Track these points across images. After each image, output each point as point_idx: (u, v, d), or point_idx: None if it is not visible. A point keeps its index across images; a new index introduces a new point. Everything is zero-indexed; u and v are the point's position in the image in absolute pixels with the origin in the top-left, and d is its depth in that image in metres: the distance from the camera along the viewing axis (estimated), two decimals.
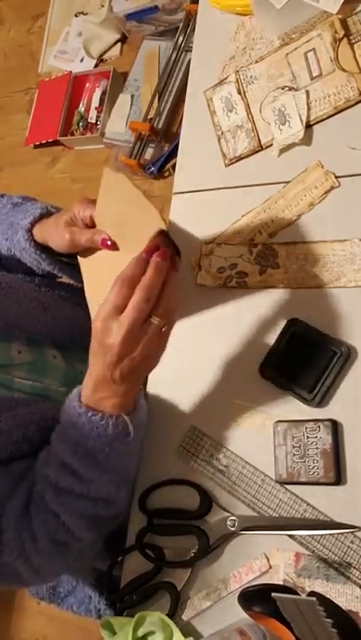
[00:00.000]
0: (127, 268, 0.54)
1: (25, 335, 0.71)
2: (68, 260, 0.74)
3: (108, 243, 0.64)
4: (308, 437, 0.60)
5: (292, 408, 0.63)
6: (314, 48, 0.70)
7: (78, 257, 0.70)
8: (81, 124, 2.00)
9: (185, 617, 0.62)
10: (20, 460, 0.64)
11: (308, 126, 0.70)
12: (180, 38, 1.82)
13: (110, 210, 0.64)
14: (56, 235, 0.69)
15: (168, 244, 0.56)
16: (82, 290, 0.82)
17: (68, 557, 0.63)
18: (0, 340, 0.68)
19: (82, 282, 0.72)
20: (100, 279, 0.66)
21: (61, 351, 0.75)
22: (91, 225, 0.67)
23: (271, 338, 0.66)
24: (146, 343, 0.54)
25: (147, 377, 0.73)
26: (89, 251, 0.68)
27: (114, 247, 0.64)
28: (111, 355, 0.54)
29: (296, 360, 0.63)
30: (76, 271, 0.75)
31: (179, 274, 0.57)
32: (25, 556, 0.59)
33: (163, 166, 1.77)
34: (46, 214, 0.72)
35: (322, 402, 0.61)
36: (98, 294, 0.63)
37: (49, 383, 0.71)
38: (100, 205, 0.66)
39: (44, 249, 0.72)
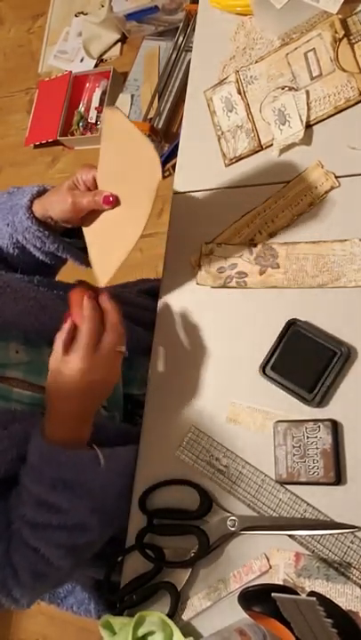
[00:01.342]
0: (64, 326, 0.62)
1: (22, 335, 0.70)
2: (72, 241, 0.74)
3: (111, 199, 0.65)
4: (308, 437, 0.60)
5: (293, 408, 0.63)
6: (314, 48, 0.70)
7: (83, 228, 0.70)
8: (81, 123, 2.00)
9: (185, 617, 0.62)
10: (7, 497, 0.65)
11: (308, 126, 0.70)
12: (180, 38, 1.82)
13: (112, 160, 0.65)
14: (57, 201, 0.69)
15: (91, 289, 0.65)
16: None
17: (48, 586, 0.65)
18: None
19: (85, 262, 0.75)
20: (105, 244, 0.67)
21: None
22: (93, 188, 0.68)
23: (271, 338, 0.65)
24: (102, 361, 0.61)
25: (145, 379, 0.73)
26: (91, 218, 0.69)
27: (116, 202, 0.65)
28: (72, 371, 0.60)
29: (296, 360, 0.63)
30: (79, 252, 0.75)
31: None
32: (7, 590, 0.61)
33: (163, 166, 1.76)
34: (43, 191, 0.73)
35: (322, 402, 0.61)
36: (104, 261, 0.65)
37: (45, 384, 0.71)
38: (103, 155, 0.66)
39: (46, 226, 0.72)
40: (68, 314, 0.63)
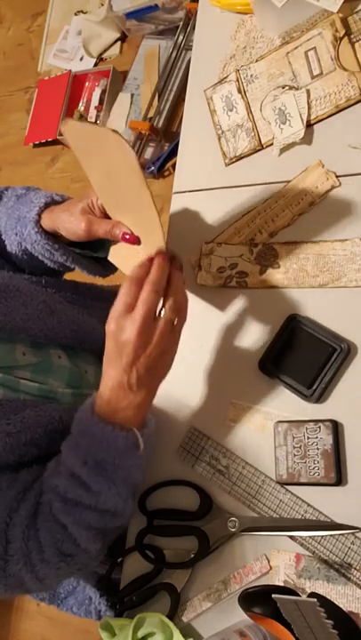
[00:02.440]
0: (133, 271, 0.57)
1: (30, 338, 0.70)
2: (81, 252, 0.74)
3: (127, 237, 0.63)
4: (308, 438, 0.60)
5: (293, 408, 0.63)
6: (314, 47, 0.69)
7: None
8: None
9: (185, 618, 0.62)
10: (29, 468, 0.64)
11: (309, 125, 0.70)
12: (180, 37, 1.82)
13: (96, 170, 0.63)
14: (69, 222, 0.67)
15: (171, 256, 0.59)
16: (87, 293, 0.81)
17: (73, 568, 0.62)
18: (5, 342, 0.67)
19: (95, 272, 0.75)
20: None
21: (66, 351, 0.75)
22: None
23: (271, 338, 0.65)
24: (159, 337, 0.56)
25: None
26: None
27: (136, 241, 0.63)
28: (127, 353, 0.55)
29: (296, 355, 0.63)
30: (89, 262, 0.74)
31: (184, 274, 0.59)
32: (31, 566, 0.59)
33: (163, 166, 1.76)
34: (51, 202, 0.71)
35: (320, 398, 0.61)
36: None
37: (53, 384, 0.71)
38: (88, 171, 0.64)
39: (55, 239, 0.71)
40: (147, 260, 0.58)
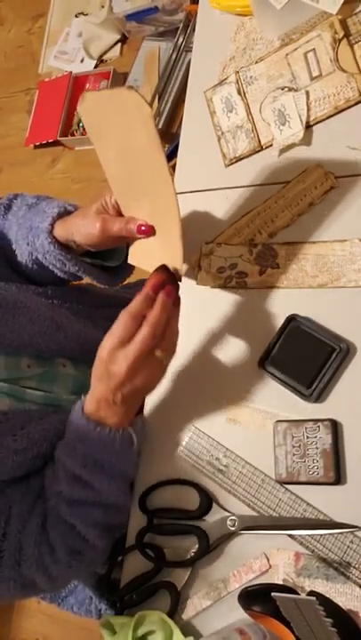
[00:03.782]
0: (134, 303, 0.58)
1: (36, 352, 0.70)
2: (92, 261, 0.74)
3: (143, 228, 0.63)
4: (307, 437, 0.61)
5: (292, 408, 0.63)
6: (314, 48, 0.70)
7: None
8: (81, 124, 2.00)
9: (185, 616, 0.62)
10: (37, 477, 0.65)
11: (308, 127, 0.70)
12: (180, 39, 1.82)
13: (111, 143, 0.62)
14: (84, 225, 0.67)
15: (171, 279, 0.60)
16: (91, 301, 0.81)
17: (83, 565, 0.65)
18: (10, 355, 0.67)
19: (105, 282, 0.75)
20: (157, 238, 0.65)
21: (71, 360, 0.75)
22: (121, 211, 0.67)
23: (271, 338, 0.66)
24: (148, 373, 0.58)
25: None
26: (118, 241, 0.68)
27: (151, 231, 0.63)
28: (115, 382, 0.58)
29: (295, 355, 0.63)
30: (100, 273, 0.75)
31: (179, 309, 0.60)
32: (43, 568, 0.62)
33: None
34: (64, 213, 0.71)
35: (319, 397, 0.61)
36: (169, 250, 0.62)
37: (58, 392, 0.71)
38: (101, 147, 0.63)
39: (68, 250, 0.70)
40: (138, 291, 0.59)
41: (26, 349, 0.69)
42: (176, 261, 0.61)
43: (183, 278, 0.74)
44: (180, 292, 0.60)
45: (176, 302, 0.59)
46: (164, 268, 0.60)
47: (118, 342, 0.57)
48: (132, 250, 0.69)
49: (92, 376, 0.60)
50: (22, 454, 0.62)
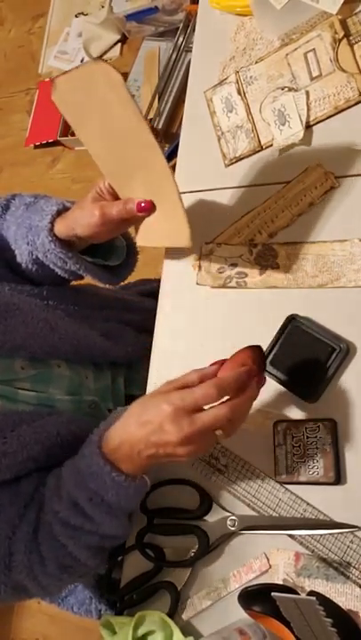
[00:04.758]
0: (228, 378, 0.54)
1: (30, 355, 0.69)
2: (93, 260, 0.74)
3: (143, 205, 0.63)
4: (307, 437, 0.61)
5: (292, 407, 0.63)
6: (314, 48, 0.70)
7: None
8: None
9: (185, 616, 0.62)
10: (28, 478, 0.63)
11: (308, 126, 0.70)
12: (180, 39, 1.82)
13: (92, 126, 0.61)
14: (82, 216, 0.67)
15: (261, 362, 0.57)
16: (87, 302, 0.81)
17: (74, 577, 0.63)
18: (3, 357, 0.67)
19: (106, 280, 0.75)
20: (157, 217, 0.64)
21: (66, 361, 0.74)
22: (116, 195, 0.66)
23: (270, 338, 0.66)
24: (196, 447, 0.54)
25: (146, 379, 0.73)
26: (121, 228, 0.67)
27: (152, 207, 0.62)
28: (159, 439, 0.53)
29: (295, 355, 0.63)
30: (101, 271, 0.74)
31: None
32: (33, 576, 0.60)
33: None
34: (63, 210, 0.71)
35: (320, 398, 0.61)
36: (174, 229, 0.62)
37: (53, 392, 0.70)
38: (84, 133, 0.62)
39: (69, 247, 0.70)
40: (222, 361, 0.57)
41: (19, 352, 0.68)
42: (182, 229, 0.61)
43: (183, 279, 0.74)
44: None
45: (259, 381, 0.56)
46: (257, 348, 0.57)
47: (191, 406, 0.53)
48: (139, 232, 0.68)
49: (133, 415, 0.56)
50: (11, 457, 0.60)
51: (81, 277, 0.76)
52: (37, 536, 0.60)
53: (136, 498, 0.60)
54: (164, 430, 0.53)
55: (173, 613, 0.62)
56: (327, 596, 0.54)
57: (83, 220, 0.67)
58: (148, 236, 0.68)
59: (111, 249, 0.76)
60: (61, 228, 0.69)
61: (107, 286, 0.80)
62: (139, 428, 0.55)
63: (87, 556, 0.60)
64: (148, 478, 0.59)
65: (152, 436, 0.54)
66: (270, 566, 0.60)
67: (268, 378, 0.64)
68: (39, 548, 0.60)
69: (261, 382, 0.56)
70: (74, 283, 0.80)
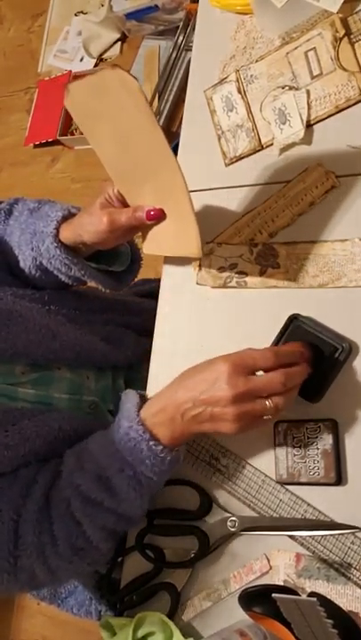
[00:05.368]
0: (285, 347, 0.57)
1: (30, 361, 0.69)
2: (98, 266, 0.73)
3: (152, 213, 0.62)
4: (308, 437, 0.60)
5: (293, 408, 0.63)
6: (314, 47, 0.69)
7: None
8: None
9: (185, 617, 0.62)
10: (28, 467, 0.63)
11: (309, 125, 0.70)
12: (180, 37, 1.82)
13: (104, 131, 0.61)
14: (91, 223, 0.66)
15: (309, 355, 0.59)
16: (89, 306, 0.80)
17: (85, 562, 0.62)
18: (4, 363, 0.67)
19: (110, 286, 0.75)
20: (167, 225, 0.64)
21: (67, 364, 0.74)
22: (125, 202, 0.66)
23: (271, 338, 0.65)
24: (245, 411, 0.53)
25: (146, 378, 0.73)
26: (127, 236, 0.66)
27: (161, 214, 0.62)
28: (213, 397, 0.53)
29: None
30: (105, 278, 0.74)
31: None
32: (44, 558, 0.59)
33: None
34: (68, 215, 0.70)
35: (322, 397, 0.61)
36: (183, 237, 0.62)
37: (53, 393, 0.70)
38: (95, 139, 0.62)
39: (74, 253, 0.69)
40: (299, 346, 0.58)
41: (20, 358, 0.67)
42: (192, 238, 0.60)
43: (183, 279, 0.74)
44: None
45: (304, 371, 0.57)
46: (309, 344, 0.59)
47: (250, 365, 0.53)
48: (146, 240, 0.68)
49: (183, 378, 0.55)
50: (13, 450, 0.60)
51: (84, 283, 0.76)
52: (50, 514, 0.59)
53: (167, 473, 0.59)
54: (217, 387, 0.52)
55: (173, 614, 0.62)
56: (328, 597, 0.54)
57: (90, 227, 0.66)
58: (155, 244, 0.67)
59: (115, 255, 0.76)
60: (67, 234, 0.68)
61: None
62: (188, 391, 0.54)
63: (100, 537, 0.60)
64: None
65: (203, 393, 0.53)
66: (271, 567, 0.59)
67: None
68: (52, 527, 0.59)
69: (308, 369, 0.57)
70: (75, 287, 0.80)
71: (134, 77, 0.55)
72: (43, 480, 0.61)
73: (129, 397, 0.60)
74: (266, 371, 0.55)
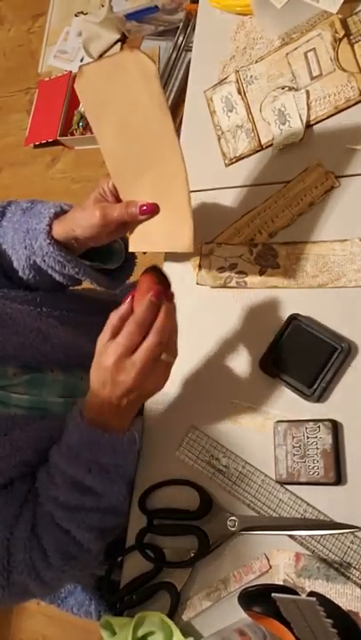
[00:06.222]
0: (139, 312, 0.58)
1: (22, 363, 0.69)
2: (92, 264, 0.73)
3: (145, 208, 0.63)
4: (308, 437, 0.60)
5: (293, 408, 0.63)
6: (314, 48, 0.70)
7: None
8: (81, 123, 2.00)
9: (185, 617, 0.62)
10: (22, 481, 0.64)
11: (309, 126, 0.70)
12: (180, 38, 1.82)
13: (111, 119, 0.60)
14: (83, 217, 0.66)
15: (164, 279, 0.60)
16: (82, 308, 0.79)
17: (76, 569, 0.64)
18: None
19: (104, 285, 0.74)
20: (163, 218, 0.64)
21: (59, 366, 0.74)
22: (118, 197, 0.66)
23: (271, 338, 0.65)
24: (155, 377, 0.59)
25: None
26: (120, 231, 0.67)
27: (155, 209, 0.62)
28: (122, 389, 0.58)
29: (296, 355, 0.63)
30: (100, 276, 0.74)
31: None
32: (35, 573, 0.61)
33: None
34: (61, 212, 0.70)
35: (321, 397, 0.61)
36: (176, 231, 0.62)
37: (47, 396, 0.70)
38: (100, 126, 0.61)
39: (67, 250, 0.69)
40: (131, 294, 0.60)
41: (11, 361, 0.67)
42: (185, 233, 0.60)
43: (183, 279, 0.74)
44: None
45: (170, 298, 0.60)
46: (153, 269, 0.60)
47: (125, 351, 0.57)
48: (132, 237, 0.67)
49: (94, 381, 0.59)
50: (5, 461, 0.61)
51: (79, 282, 0.75)
52: (36, 531, 0.61)
53: (130, 454, 0.63)
54: (118, 382, 0.57)
55: (173, 614, 0.62)
56: (327, 596, 0.54)
57: (83, 221, 0.66)
58: (142, 241, 0.66)
59: (109, 253, 0.76)
60: (60, 230, 0.68)
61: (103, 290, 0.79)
62: (103, 389, 0.59)
63: (90, 539, 0.62)
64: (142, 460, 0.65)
65: (114, 391, 0.58)
66: (270, 567, 0.60)
67: (268, 377, 0.65)
68: (40, 542, 0.61)
69: (171, 295, 0.59)
70: (70, 288, 0.79)
71: (153, 61, 0.54)
72: (32, 499, 0.63)
73: (73, 410, 0.64)
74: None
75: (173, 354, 0.60)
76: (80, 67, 0.60)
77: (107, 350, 0.58)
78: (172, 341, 0.59)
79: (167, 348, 0.59)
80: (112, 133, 0.62)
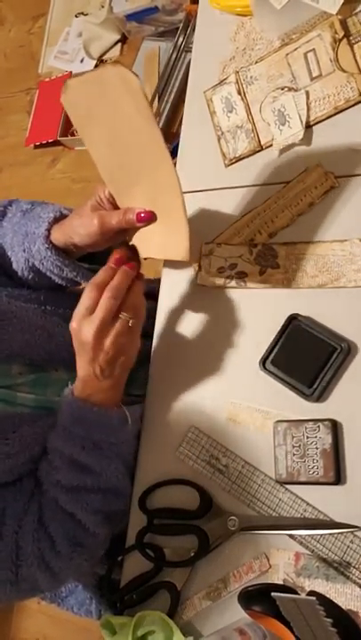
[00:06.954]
0: (98, 275, 0.61)
1: (27, 361, 0.70)
2: (90, 267, 0.73)
3: (143, 215, 0.63)
4: (307, 437, 0.61)
5: (293, 408, 0.63)
6: (314, 48, 0.70)
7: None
8: None
9: (185, 616, 0.62)
10: (29, 476, 0.65)
11: (308, 126, 0.70)
12: (180, 39, 1.82)
13: (100, 131, 0.61)
14: (81, 224, 0.66)
15: (133, 256, 0.63)
16: None
17: (84, 557, 0.64)
18: (1, 363, 0.67)
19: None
20: (158, 226, 0.65)
21: (64, 365, 0.74)
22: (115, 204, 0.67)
23: (271, 338, 0.66)
24: (115, 336, 0.60)
25: (146, 379, 0.73)
26: (119, 238, 0.68)
27: (152, 216, 0.63)
28: (87, 350, 0.60)
29: (296, 355, 0.63)
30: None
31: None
32: (45, 564, 0.61)
33: None
34: (60, 217, 0.70)
35: (321, 397, 0.61)
36: (172, 240, 0.64)
37: (51, 395, 0.71)
38: (90, 138, 0.62)
39: (65, 255, 0.70)
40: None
41: (16, 359, 0.68)
42: (182, 241, 0.61)
43: (183, 279, 0.74)
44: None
45: (139, 276, 0.63)
46: (126, 244, 0.62)
47: (85, 311, 0.60)
48: (130, 243, 0.68)
49: (75, 354, 0.62)
50: (14, 458, 0.61)
51: (78, 284, 0.76)
52: (43, 521, 0.62)
53: (122, 433, 0.64)
54: (82, 342, 0.60)
55: (173, 613, 0.62)
56: (327, 596, 0.54)
57: (81, 229, 0.66)
58: (142, 246, 0.67)
59: (109, 254, 0.76)
60: (58, 236, 0.68)
61: None
62: (80, 360, 0.62)
63: (95, 522, 0.63)
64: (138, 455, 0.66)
65: (84, 355, 0.61)
66: (270, 566, 0.60)
67: (268, 377, 0.65)
68: (47, 531, 0.62)
69: (134, 266, 0.62)
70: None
71: (136, 75, 0.55)
72: (37, 493, 0.64)
73: (64, 391, 0.65)
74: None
75: (136, 315, 0.61)
76: (65, 81, 0.61)
77: (73, 319, 0.61)
78: (133, 302, 0.61)
79: (128, 308, 0.60)
80: (102, 145, 0.62)
